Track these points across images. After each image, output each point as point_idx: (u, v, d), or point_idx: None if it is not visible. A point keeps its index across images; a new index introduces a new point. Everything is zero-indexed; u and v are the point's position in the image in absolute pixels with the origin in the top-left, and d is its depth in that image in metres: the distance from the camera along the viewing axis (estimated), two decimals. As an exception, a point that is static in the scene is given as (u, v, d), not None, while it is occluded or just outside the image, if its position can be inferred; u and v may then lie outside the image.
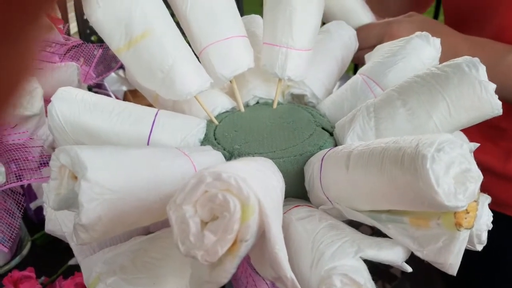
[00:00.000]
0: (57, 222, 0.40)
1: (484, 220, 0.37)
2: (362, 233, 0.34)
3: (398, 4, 0.82)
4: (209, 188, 0.23)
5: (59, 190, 0.28)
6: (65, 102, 0.39)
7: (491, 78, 0.42)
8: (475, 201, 0.27)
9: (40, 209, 0.72)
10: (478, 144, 0.35)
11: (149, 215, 0.30)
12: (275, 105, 0.49)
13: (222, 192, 0.23)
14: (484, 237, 0.38)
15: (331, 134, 0.44)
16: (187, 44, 0.44)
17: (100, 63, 0.90)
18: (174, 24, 0.43)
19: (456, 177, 0.26)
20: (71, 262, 0.62)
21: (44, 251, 0.71)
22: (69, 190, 0.28)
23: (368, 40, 0.61)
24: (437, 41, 0.46)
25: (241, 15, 0.54)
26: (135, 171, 0.29)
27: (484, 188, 0.29)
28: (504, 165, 0.69)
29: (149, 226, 0.36)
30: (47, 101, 0.48)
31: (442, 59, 0.48)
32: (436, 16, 1.25)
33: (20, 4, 0.12)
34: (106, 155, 0.28)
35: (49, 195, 0.29)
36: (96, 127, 0.38)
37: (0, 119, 0.15)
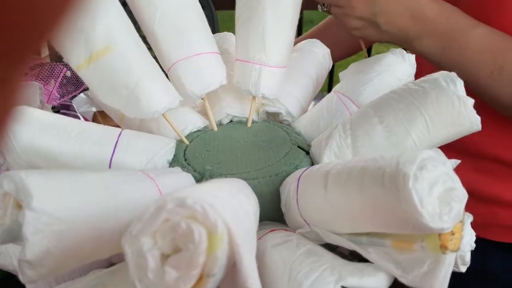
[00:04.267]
0: (7, 255, 0.36)
1: (467, 240, 0.36)
2: (340, 252, 0.32)
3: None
4: (171, 215, 0.20)
5: (3, 220, 0.25)
6: (19, 123, 0.36)
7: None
8: (460, 221, 0.26)
9: (-2, 239, 0.67)
10: (459, 161, 0.34)
11: (107, 246, 0.27)
12: (249, 124, 0.47)
13: (185, 220, 0.20)
14: (468, 258, 0.36)
15: (307, 152, 0.42)
16: (155, 61, 0.42)
17: (68, 83, 0.86)
18: (139, 39, 0.40)
19: (440, 196, 0.24)
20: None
21: (3, 285, 0.65)
22: (14, 221, 0.25)
23: None
24: (412, 57, 0.45)
25: (215, 32, 0.52)
26: (90, 198, 0.26)
27: None
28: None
29: (110, 257, 0.33)
30: (3, 122, 0.44)
31: (405, 16, 0.46)
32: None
33: (5, 49, 0.12)
34: (57, 181, 0.25)
35: (-9, 226, 0.25)
36: (52, 150, 0.35)
37: None
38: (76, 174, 0.27)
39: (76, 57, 0.36)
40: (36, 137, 0.36)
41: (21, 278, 0.25)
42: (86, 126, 0.38)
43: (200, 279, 0.20)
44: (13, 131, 0.36)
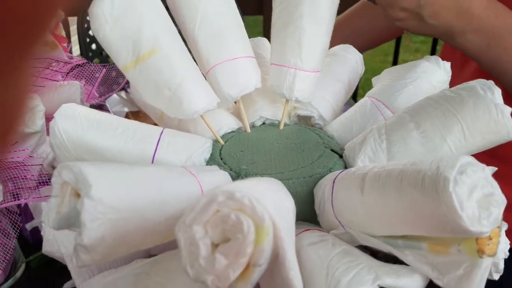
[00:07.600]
0: (55, 243, 0.38)
1: (502, 247, 0.36)
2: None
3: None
4: (221, 207, 0.22)
5: (60, 208, 0.27)
6: (68, 119, 0.38)
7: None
8: (498, 227, 0.26)
9: (36, 230, 0.70)
10: (496, 168, 0.34)
11: (153, 236, 0.29)
12: (281, 126, 0.49)
13: (235, 212, 0.21)
14: (502, 265, 0.36)
15: (341, 156, 0.43)
16: (195, 63, 0.44)
17: (102, 84, 0.90)
18: (182, 42, 0.42)
19: (479, 201, 0.25)
20: (66, 285, 0.59)
21: (38, 273, 0.68)
22: (71, 209, 0.26)
23: None
24: (447, 65, 0.45)
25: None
26: (140, 190, 0.28)
27: None
28: None
29: (150, 248, 0.34)
30: (48, 119, 0.47)
31: (452, 11, 0.46)
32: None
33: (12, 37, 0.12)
34: (110, 173, 0.27)
35: (49, 213, 0.27)
36: (99, 145, 0.37)
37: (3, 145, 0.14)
38: (126, 167, 0.29)
39: (124, 58, 0.39)
40: (84, 133, 0.38)
41: (75, 262, 0.27)
42: (130, 124, 0.40)
43: (247, 268, 0.21)
44: (63, 127, 0.38)
